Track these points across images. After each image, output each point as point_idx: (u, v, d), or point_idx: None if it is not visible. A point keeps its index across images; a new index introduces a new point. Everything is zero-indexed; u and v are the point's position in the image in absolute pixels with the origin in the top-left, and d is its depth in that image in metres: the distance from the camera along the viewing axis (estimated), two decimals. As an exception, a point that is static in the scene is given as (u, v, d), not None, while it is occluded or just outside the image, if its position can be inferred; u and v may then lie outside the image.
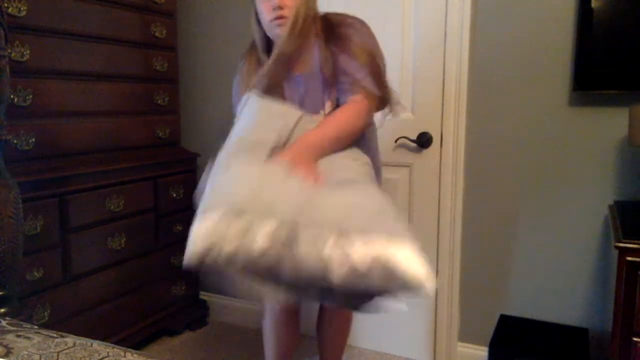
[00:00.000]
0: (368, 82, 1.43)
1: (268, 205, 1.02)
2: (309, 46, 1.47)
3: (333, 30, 1.48)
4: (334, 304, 1.26)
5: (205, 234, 1.00)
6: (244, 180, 1.11)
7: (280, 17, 1.41)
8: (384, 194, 1.28)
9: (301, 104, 1.52)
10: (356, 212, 1.08)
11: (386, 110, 1.54)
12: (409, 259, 1.04)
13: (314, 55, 1.48)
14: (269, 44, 1.52)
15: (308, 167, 1.30)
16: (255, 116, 1.40)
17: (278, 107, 1.43)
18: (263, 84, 1.48)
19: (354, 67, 1.44)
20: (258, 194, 1.04)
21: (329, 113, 1.52)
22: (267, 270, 1.05)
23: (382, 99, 1.48)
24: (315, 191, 1.16)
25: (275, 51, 1.45)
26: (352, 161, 1.41)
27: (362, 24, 1.52)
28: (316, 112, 1.52)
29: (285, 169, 1.21)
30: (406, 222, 1.25)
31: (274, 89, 1.49)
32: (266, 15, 1.43)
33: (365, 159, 1.48)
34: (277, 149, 1.33)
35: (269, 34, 1.48)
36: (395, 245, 1.04)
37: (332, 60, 1.46)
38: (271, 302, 1.60)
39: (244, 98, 1.47)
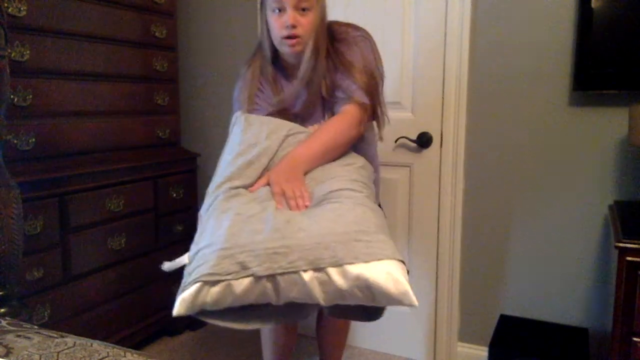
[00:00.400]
0: (361, 95, 1.43)
1: (246, 249, 1.07)
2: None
3: (334, 44, 1.47)
4: (329, 315, 1.28)
5: (186, 302, 1.08)
6: (222, 227, 1.13)
7: (293, 37, 1.39)
8: (367, 202, 1.25)
9: (300, 115, 1.52)
10: (331, 239, 1.08)
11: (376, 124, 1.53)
12: (387, 277, 1.06)
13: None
14: (275, 53, 1.50)
15: (295, 183, 1.28)
16: (243, 136, 1.38)
17: (267, 124, 1.41)
18: (281, 105, 1.49)
19: (349, 85, 1.43)
20: (236, 240, 1.09)
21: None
22: (254, 303, 1.11)
23: (374, 108, 1.47)
24: (291, 218, 1.15)
25: (300, 76, 1.44)
26: (343, 167, 1.39)
27: (364, 38, 1.49)
28: (316, 122, 1.52)
29: (262, 201, 1.22)
30: (388, 231, 1.22)
31: (288, 108, 1.51)
32: (277, 31, 1.41)
33: (361, 161, 1.46)
34: (267, 166, 1.33)
35: (277, 47, 1.46)
36: (372, 265, 1.06)
37: (331, 75, 1.46)
38: (268, 327, 1.63)
39: (233, 117, 1.46)
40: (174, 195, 2.41)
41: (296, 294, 1.09)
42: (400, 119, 2.12)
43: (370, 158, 1.57)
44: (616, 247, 1.39)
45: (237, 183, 1.30)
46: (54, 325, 1.81)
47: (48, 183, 1.83)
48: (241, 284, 1.07)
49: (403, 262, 1.13)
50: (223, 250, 1.08)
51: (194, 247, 1.18)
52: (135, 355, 0.90)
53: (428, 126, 2.12)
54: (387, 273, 1.06)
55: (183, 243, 2.49)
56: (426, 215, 2.18)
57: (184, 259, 1.17)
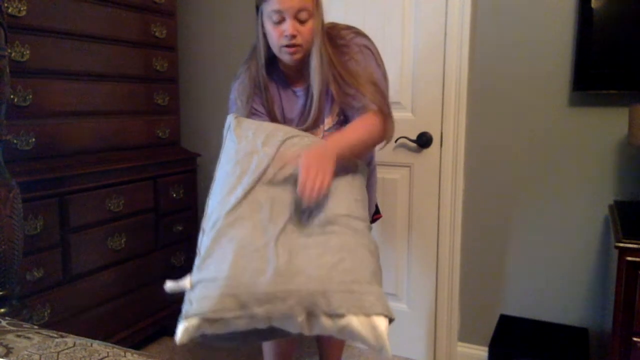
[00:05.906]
0: (372, 105, 1.41)
1: (248, 290, 1.13)
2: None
3: (335, 53, 1.44)
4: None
5: (189, 332, 1.17)
6: (226, 260, 1.16)
7: (293, 46, 1.37)
8: (367, 237, 1.27)
9: (300, 118, 1.50)
10: (328, 287, 1.13)
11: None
12: (370, 330, 1.13)
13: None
14: (272, 59, 1.49)
15: (325, 170, 1.24)
16: (239, 145, 1.36)
17: (262, 129, 1.39)
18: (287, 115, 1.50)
19: (360, 97, 1.42)
20: (239, 279, 1.13)
21: (329, 129, 1.50)
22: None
23: (388, 113, 1.46)
24: (292, 257, 1.17)
25: (314, 91, 1.43)
26: (347, 182, 1.37)
27: (363, 47, 1.46)
28: (316, 127, 1.49)
29: (265, 228, 1.21)
30: (380, 273, 1.27)
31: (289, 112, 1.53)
32: (275, 39, 1.38)
33: (358, 173, 1.45)
34: (265, 172, 1.30)
35: (277, 54, 1.44)
36: (360, 317, 1.13)
37: (336, 80, 1.44)
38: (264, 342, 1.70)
39: (227, 121, 1.44)
40: (174, 195, 2.41)
41: (286, 327, 1.18)
42: (400, 119, 2.11)
43: (369, 158, 1.57)
44: (616, 247, 1.39)
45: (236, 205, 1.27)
46: (54, 325, 1.81)
47: (48, 183, 1.83)
48: (240, 322, 1.14)
49: (390, 313, 1.16)
50: (226, 288, 1.13)
51: (196, 273, 1.21)
52: (135, 355, 0.90)
53: (428, 126, 2.12)
54: (371, 327, 1.12)
55: (183, 243, 2.50)
56: (426, 215, 2.18)
57: (186, 284, 1.22)
